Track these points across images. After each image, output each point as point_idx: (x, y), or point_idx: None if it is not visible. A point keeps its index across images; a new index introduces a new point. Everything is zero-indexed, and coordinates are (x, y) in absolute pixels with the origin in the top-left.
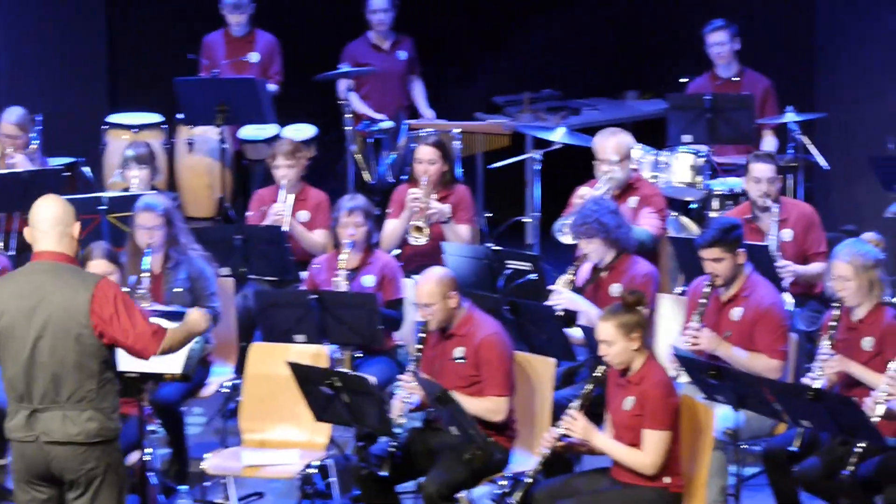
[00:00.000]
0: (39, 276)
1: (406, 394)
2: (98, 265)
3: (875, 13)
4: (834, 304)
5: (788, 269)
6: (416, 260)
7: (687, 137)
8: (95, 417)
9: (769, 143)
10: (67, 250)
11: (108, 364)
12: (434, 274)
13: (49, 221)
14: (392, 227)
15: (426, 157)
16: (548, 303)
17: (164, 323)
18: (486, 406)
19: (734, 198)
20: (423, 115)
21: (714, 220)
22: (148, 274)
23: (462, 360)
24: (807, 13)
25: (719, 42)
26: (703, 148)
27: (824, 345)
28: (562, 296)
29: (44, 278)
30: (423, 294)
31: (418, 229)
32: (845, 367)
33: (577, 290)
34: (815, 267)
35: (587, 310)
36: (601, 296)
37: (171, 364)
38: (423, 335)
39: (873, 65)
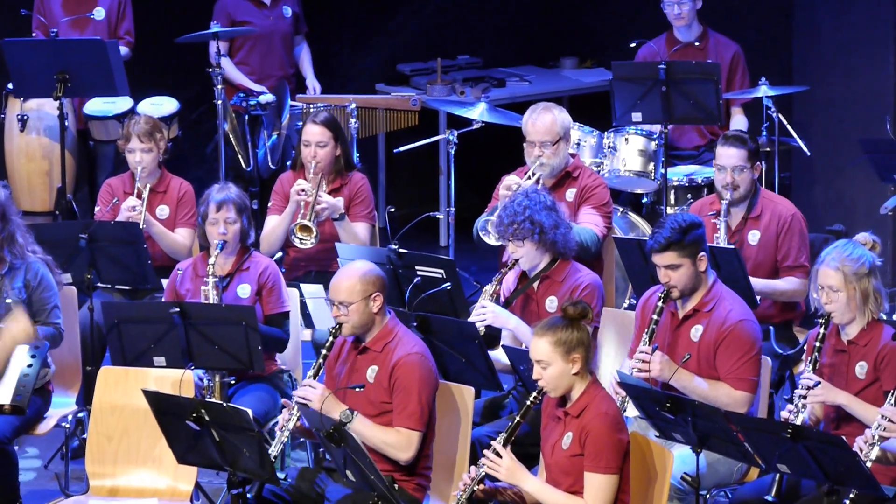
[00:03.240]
0: None
1: (291, 421)
2: None
3: None
4: (819, 320)
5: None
6: (301, 265)
7: (637, 116)
8: None
9: (738, 121)
10: None
11: None
12: (358, 267)
13: None
14: (273, 224)
15: (315, 139)
16: (469, 319)
17: None
18: (393, 439)
19: (695, 190)
20: (309, 86)
21: (669, 217)
22: None
23: (373, 381)
24: None
25: (676, 1)
26: (657, 129)
27: (807, 370)
28: (486, 310)
29: None
30: (341, 290)
31: (305, 229)
32: (833, 397)
33: (504, 303)
34: (786, 283)
35: (517, 327)
36: (533, 310)
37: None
38: (332, 339)
39: (865, 27)
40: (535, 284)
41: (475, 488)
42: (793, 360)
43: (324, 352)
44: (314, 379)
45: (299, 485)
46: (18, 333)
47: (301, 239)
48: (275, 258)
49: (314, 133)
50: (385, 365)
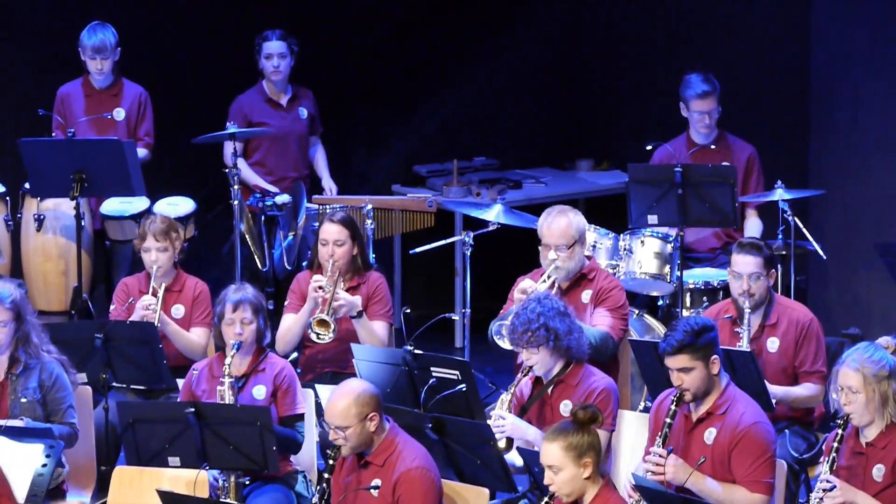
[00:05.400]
0: None
1: None
2: None
3: (881, 71)
4: (838, 422)
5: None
6: (318, 366)
7: (653, 218)
8: None
9: (753, 226)
10: None
11: None
12: (351, 389)
13: None
14: (289, 323)
15: (332, 237)
16: (489, 425)
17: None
18: None
19: (711, 293)
20: (325, 187)
21: (682, 320)
22: None
23: (378, 497)
24: (799, 65)
25: (706, 111)
26: (673, 231)
27: (824, 472)
28: (504, 422)
29: None
30: (336, 414)
31: (323, 323)
32: (852, 498)
33: (520, 410)
34: (804, 390)
35: (535, 438)
36: (548, 414)
37: (14, 492)
38: (333, 462)
39: (879, 132)
40: (550, 389)
41: None
42: (808, 463)
43: (326, 475)
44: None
45: None
46: None
47: (319, 334)
48: (290, 358)
49: (332, 232)
50: (388, 479)
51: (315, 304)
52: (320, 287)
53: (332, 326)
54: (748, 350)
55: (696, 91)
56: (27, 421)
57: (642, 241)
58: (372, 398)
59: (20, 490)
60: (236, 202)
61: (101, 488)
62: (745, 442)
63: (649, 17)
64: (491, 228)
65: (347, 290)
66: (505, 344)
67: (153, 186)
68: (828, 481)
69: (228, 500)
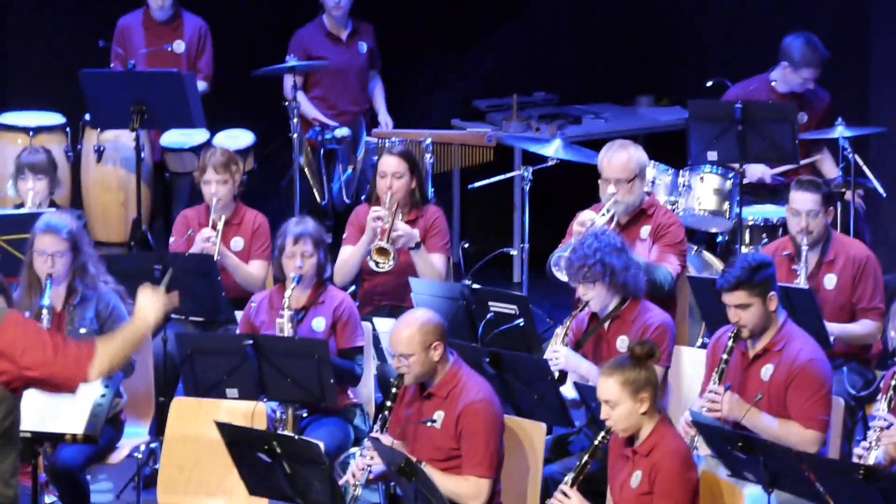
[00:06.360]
0: None
1: (364, 462)
2: None
3: None
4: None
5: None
6: (375, 300)
7: (712, 154)
8: None
9: (828, 165)
10: None
11: (12, 418)
12: (416, 317)
13: None
14: (347, 255)
15: (391, 170)
16: (544, 358)
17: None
18: (464, 488)
19: (770, 230)
20: (381, 122)
21: (740, 256)
22: (47, 310)
23: (436, 426)
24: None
25: (812, 79)
26: (734, 167)
27: (881, 410)
28: (558, 355)
29: None
30: (400, 341)
31: (382, 252)
32: None
33: (575, 344)
34: (861, 327)
35: (588, 371)
36: (604, 350)
37: (73, 422)
38: (395, 391)
39: None
40: (606, 324)
41: None
42: (866, 401)
43: (388, 403)
44: (381, 432)
45: None
46: (141, 326)
47: (378, 262)
48: (348, 292)
49: (390, 164)
50: (451, 411)
51: (374, 235)
52: (379, 217)
53: (392, 254)
54: (806, 287)
55: (807, 57)
56: None
57: (702, 178)
58: (437, 327)
59: (78, 419)
60: (295, 135)
61: (160, 419)
62: (801, 378)
63: None
64: (550, 164)
65: (406, 223)
66: (563, 276)
67: (213, 119)
68: (885, 419)
69: (286, 432)
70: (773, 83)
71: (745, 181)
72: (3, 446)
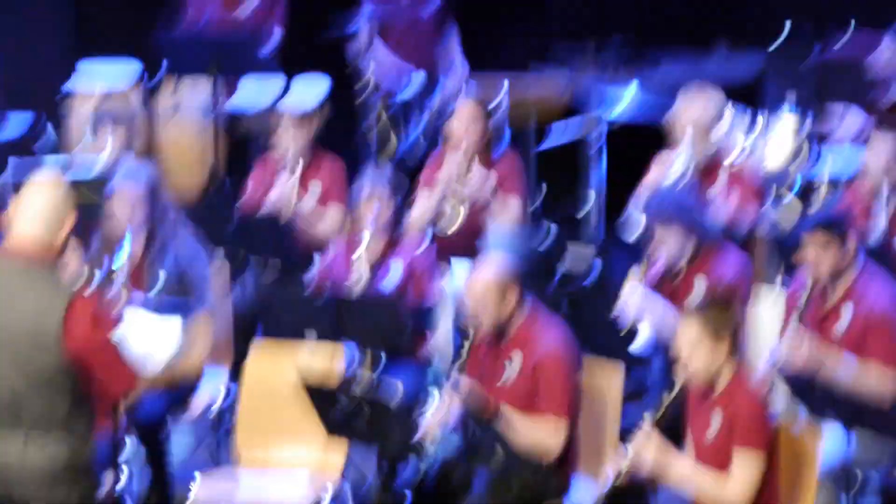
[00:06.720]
0: (5, 276)
1: (443, 406)
2: None
3: None
4: None
5: None
6: (452, 242)
7: (791, 98)
8: (66, 441)
9: None
10: (48, 246)
11: (85, 380)
12: (490, 266)
13: (36, 206)
14: (424, 205)
15: (466, 116)
16: (620, 300)
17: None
18: (542, 429)
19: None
20: (456, 70)
21: (820, 199)
22: (127, 259)
23: (517, 373)
24: None
25: None
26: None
27: None
28: (636, 291)
29: (10, 279)
30: (475, 292)
31: (455, 206)
32: None
33: (652, 287)
34: None
35: (665, 311)
36: (681, 294)
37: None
38: (472, 339)
39: None
40: (683, 268)
41: (623, 470)
42: None
43: (466, 346)
44: (459, 374)
45: (447, 465)
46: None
47: (452, 214)
48: (426, 238)
49: (465, 110)
50: (529, 354)
51: (448, 183)
52: (454, 164)
53: (464, 210)
54: (884, 229)
55: None
56: (164, 297)
57: (780, 122)
58: (510, 275)
59: (160, 362)
60: (372, 82)
61: (239, 363)
62: (881, 320)
63: None
64: (626, 115)
65: (481, 168)
66: (640, 222)
67: (289, 69)
68: None
69: (364, 375)
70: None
71: (840, 134)
72: (81, 409)
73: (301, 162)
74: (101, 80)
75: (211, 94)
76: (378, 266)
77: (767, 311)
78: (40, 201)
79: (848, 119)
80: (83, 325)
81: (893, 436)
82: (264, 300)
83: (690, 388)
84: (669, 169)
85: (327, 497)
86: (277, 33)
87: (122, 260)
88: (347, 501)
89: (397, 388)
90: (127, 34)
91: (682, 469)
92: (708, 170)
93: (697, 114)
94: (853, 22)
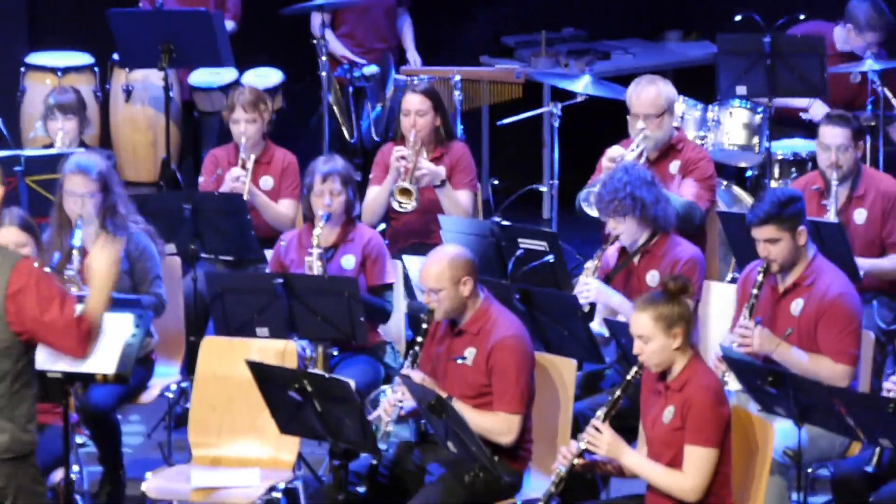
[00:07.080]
0: None
1: (395, 399)
2: (8, 233)
3: None
4: None
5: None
6: (403, 237)
7: (741, 89)
8: (5, 428)
9: None
10: None
11: (25, 362)
12: (446, 252)
13: None
14: (375, 194)
15: (414, 108)
16: (574, 293)
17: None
18: (494, 424)
19: (800, 164)
20: (410, 59)
21: (769, 191)
22: (77, 251)
23: (467, 363)
24: None
25: (876, 43)
26: (762, 101)
27: None
28: (589, 286)
29: None
30: (430, 276)
31: (405, 192)
32: None
33: (605, 278)
34: (890, 262)
35: (620, 304)
36: (634, 284)
37: (103, 362)
38: (426, 327)
39: None
40: (636, 259)
41: (575, 462)
42: (895, 335)
43: (419, 339)
44: (412, 368)
45: (400, 457)
46: (104, 263)
47: (401, 202)
48: (378, 230)
49: (414, 102)
50: (482, 347)
51: (398, 174)
52: (402, 157)
53: (414, 195)
54: (836, 221)
55: (880, 25)
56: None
57: (731, 112)
58: (466, 262)
59: (109, 359)
60: (324, 73)
61: (190, 359)
62: (831, 313)
63: None
64: (579, 100)
65: (431, 161)
66: (592, 211)
67: (242, 58)
68: None
69: (316, 371)
70: (834, 39)
71: (807, 118)
72: (18, 391)
73: (252, 156)
74: (51, 70)
75: (164, 81)
76: (331, 258)
77: (718, 302)
78: None
79: (798, 109)
80: (29, 293)
81: (842, 431)
82: (216, 294)
83: (644, 381)
84: (622, 158)
85: (279, 494)
86: (233, 22)
87: (71, 253)
88: (300, 496)
89: (349, 382)
90: (78, 25)
91: (634, 463)
92: (661, 158)
93: (648, 104)
94: (802, 12)
